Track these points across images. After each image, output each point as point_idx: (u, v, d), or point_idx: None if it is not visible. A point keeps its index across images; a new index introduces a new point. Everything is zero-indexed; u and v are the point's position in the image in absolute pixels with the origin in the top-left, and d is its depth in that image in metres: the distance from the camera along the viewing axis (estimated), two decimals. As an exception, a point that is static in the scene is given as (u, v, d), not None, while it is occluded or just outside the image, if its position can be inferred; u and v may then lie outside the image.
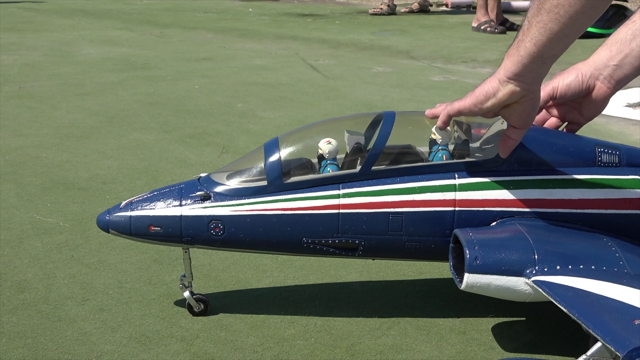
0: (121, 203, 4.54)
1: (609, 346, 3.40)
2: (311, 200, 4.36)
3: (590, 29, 14.90)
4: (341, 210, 4.36)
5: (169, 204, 4.43)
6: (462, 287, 4.03)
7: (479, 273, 3.97)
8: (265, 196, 4.38)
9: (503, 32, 16.86)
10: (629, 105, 9.95)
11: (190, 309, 4.65)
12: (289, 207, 4.37)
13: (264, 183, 4.42)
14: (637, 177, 4.41)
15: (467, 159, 4.51)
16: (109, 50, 14.42)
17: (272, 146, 4.54)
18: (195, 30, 17.52)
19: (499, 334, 4.47)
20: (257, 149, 4.72)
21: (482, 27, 17.13)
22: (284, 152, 4.53)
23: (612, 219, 4.34)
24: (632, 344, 3.32)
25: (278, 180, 4.41)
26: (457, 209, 4.33)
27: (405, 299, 4.90)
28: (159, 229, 4.42)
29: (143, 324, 4.58)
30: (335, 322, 4.60)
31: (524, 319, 4.63)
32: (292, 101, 10.26)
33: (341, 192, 4.36)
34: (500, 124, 4.63)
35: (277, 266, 5.31)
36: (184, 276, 4.64)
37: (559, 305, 3.72)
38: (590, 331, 3.51)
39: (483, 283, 3.99)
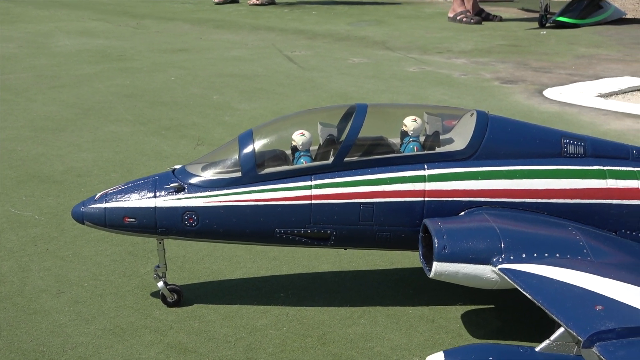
0: (96, 195, 4.58)
1: (571, 331, 3.52)
2: (284, 191, 4.42)
3: (565, 19, 14.96)
4: (313, 201, 4.42)
5: (144, 195, 4.47)
6: (431, 275, 4.12)
7: (447, 261, 4.06)
8: (239, 187, 4.44)
9: (479, 23, 16.95)
10: (600, 96, 10.09)
11: (164, 299, 4.70)
12: (262, 198, 4.43)
13: (238, 174, 4.48)
14: (601, 167, 4.51)
15: (436, 150, 4.61)
16: (85, 42, 14.35)
17: (247, 138, 4.60)
18: (172, 21, 17.47)
19: (467, 322, 4.56)
20: (231, 140, 4.77)
21: (458, 18, 17.21)
22: (258, 144, 4.59)
23: (576, 208, 4.44)
24: (593, 328, 3.44)
25: (252, 171, 4.46)
26: (426, 199, 4.40)
27: (376, 289, 4.97)
28: (133, 220, 4.46)
29: (117, 316, 4.62)
30: (307, 311, 4.67)
31: (492, 306, 4.72)
32: (267, 93, 10.30)
33: (313, 183, 4.43)
34: (469, 116, 4.72)
35: (250, 257, 5.37)
36: (158, 267, 4.68)
37: (524, 292, 3.81)
38: (554, 317, 3.62)
39: (451, 271, 4.08)
